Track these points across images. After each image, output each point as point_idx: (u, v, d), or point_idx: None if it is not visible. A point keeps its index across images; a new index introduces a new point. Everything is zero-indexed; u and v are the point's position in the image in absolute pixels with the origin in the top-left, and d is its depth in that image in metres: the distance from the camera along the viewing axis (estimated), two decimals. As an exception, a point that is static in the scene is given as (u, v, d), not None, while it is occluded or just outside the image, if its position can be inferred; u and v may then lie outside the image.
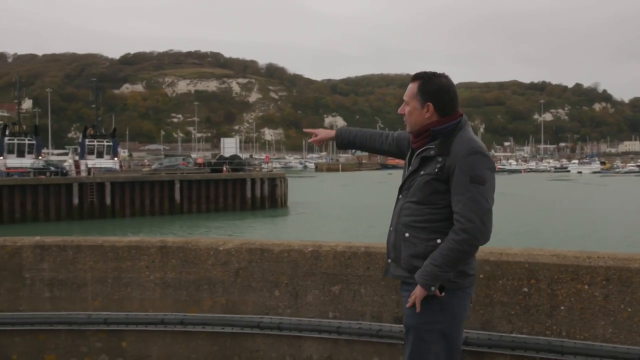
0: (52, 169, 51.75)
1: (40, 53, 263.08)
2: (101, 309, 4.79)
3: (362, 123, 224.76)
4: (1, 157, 54.55)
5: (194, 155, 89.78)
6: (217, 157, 71.28)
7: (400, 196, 3.20)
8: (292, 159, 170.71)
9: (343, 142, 3.60)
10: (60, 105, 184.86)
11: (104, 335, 4.81)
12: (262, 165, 67.30)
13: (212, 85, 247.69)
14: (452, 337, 3.11)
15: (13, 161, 53.53)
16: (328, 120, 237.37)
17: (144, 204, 49.35)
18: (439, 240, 3.01)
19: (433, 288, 2.97)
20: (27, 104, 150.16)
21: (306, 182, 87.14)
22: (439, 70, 3.14)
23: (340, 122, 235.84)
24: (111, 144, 63.63)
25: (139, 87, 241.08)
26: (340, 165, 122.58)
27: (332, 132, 3.63)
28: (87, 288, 4.83)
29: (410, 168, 3.16)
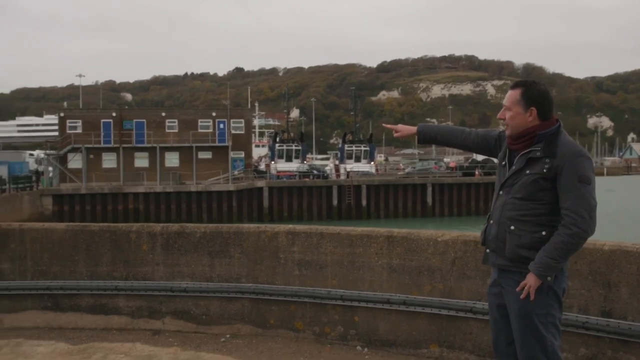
0: (315, 172, 56.31)
1: (306, 66, 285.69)
2: (338, 286, 5.67)
3: (633, 123, 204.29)
4: (273, 162, 60.79)
5: (446, 159, 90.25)
6: (470, 160, 70.92)
7: (502, 192, 3.49)
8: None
9: (425, 138, 3.91)
10: (323, 113, 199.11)
11: (340, 309, 5.68)
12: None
13: (466, 89, 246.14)
14: (559, 318, 3.39)
15: (282, 165, 59.22)
16: (592, 120, 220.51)
17: (397, 206, 51.34)
18: (543, 233, 3.31)
19: (549, 278, 3.27)
20: (294, 113, 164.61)
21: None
22: None
23: (606, 122, 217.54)
24: (368, 149, 66.98)
25: (395, 94, 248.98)
26: (605, 169, 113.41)
27: (414, 128, 3.94)
28: (327, 269, 5.75)
29: (513, 168, 3.44)
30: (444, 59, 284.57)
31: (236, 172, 54.73)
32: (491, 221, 3.53)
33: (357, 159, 63.85)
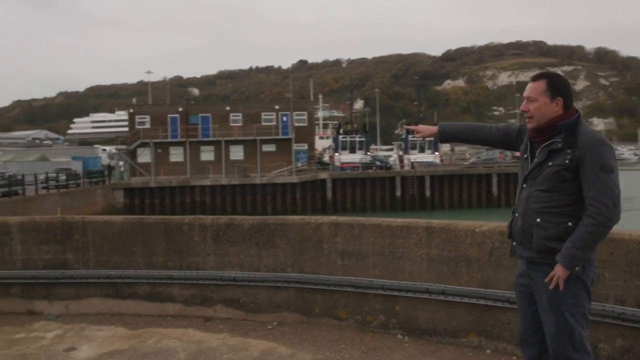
0: (378, 163, 56.21)
1: (370, 56, 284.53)
2: (379, 276, 5.81)
3: None
4: (336, 154, 61.04)
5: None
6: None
7: (525, 185, 3.52)
8: (626, 150, 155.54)
9: (446, 136, 3.99)
10: (387, 104, 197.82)
11: (381, 298, 5.82)
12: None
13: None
14: (588, 308, 3.43)
15: (346, 157, 59.32)
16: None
17: (462, 197, 50.76)
18: (570, 223, 3.33)
19: (577, 268, 3.30)
20: (358, 104, 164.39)
21: (640, 175, 78.34)
22: None
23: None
24: (432, 139, 66.20)
25: (460, 82, 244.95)
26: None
27: (435, 128, 4.01)
28: (369, 259, 5.90)
29: (535, 160, 3.47)
30: (510, 45, 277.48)
31: (299, 164, 55.29)
32: (516, 214, 3.58)
33: (422, 150, 63.22)
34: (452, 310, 5.46)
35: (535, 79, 3.53)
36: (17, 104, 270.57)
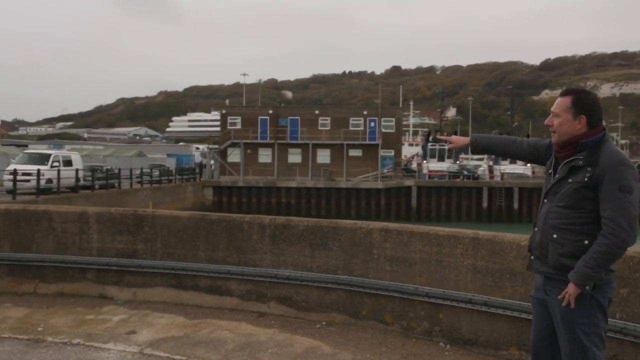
0: (465, 172, 55.29)
1: (464, 64, 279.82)
2: (425, 284, 5.90)
3: None
4: (425, 161, 60.52)
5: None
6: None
7: (546, 200, 3.52)
8: None
9: (478, 148, 4.00)
10: (480, 113, 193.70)
11: (426, 305, 5.91)
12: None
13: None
14: (604, 328, 3.40)
15: (434, 165, 58.69)
16: None
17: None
18: (586, 242, 3.31)
19: (587, 287, 3.28)
20: (451, 112, 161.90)
21: None
22: None
23: None
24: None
25: (559, 93, 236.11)
26: None
27: (467, 139, 4.00)
28: (415, 266, 6.00)
29: (557, 176, 3.47)
30: (615, 55, 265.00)
31: (385, 171, 55.26)
32: (535, 229, 3.62)
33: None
34: (495, 322, 5.47)
35: (563, 94, 3.56)
36: (121, 101, 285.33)
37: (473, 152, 4.15)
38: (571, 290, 3.34)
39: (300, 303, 6.71)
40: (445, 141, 4.26)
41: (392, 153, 57.50)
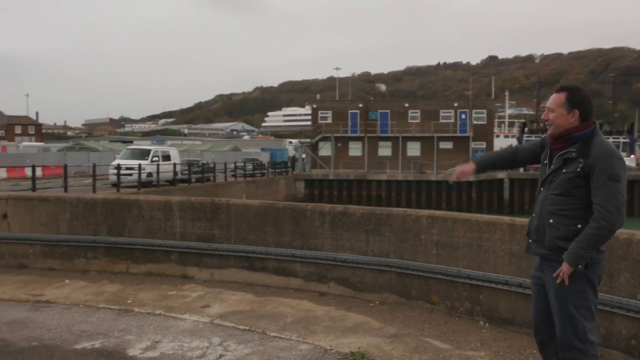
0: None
1: (565, 52, 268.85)
2: (467, 267, 6.36)
3: None
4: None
5: None
6: None
7: (542, 189, 3.91)
8: None
9: (485, 169, 4.41)
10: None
11: (467, 287, 6.37)
12: None
13: None
14: (593, 302, 3.77)
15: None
16: None
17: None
18: (579, 225, 3.69)
19: (580, 266, 3.66)
20: (549, 102, 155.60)
21: None
22: None
23: None
24: (627, 140, 61.70)
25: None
26: None
27: (472, 165, 4.34)
28: (458, 250, 6.46)
29: (552, 167, 3.85)
30: None
31: (477, 163, 54.47)
32: (533, 215, 4.03)
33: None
34: (529, 302, 5.82)
35: (557, 90, 3.95)
36: (219, 97, 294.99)
37: (478, 172, 4.51)
38: (565, 269, 3.74)
39: (357, 284, 7.32)
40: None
41: (483, 145, 56.64)
